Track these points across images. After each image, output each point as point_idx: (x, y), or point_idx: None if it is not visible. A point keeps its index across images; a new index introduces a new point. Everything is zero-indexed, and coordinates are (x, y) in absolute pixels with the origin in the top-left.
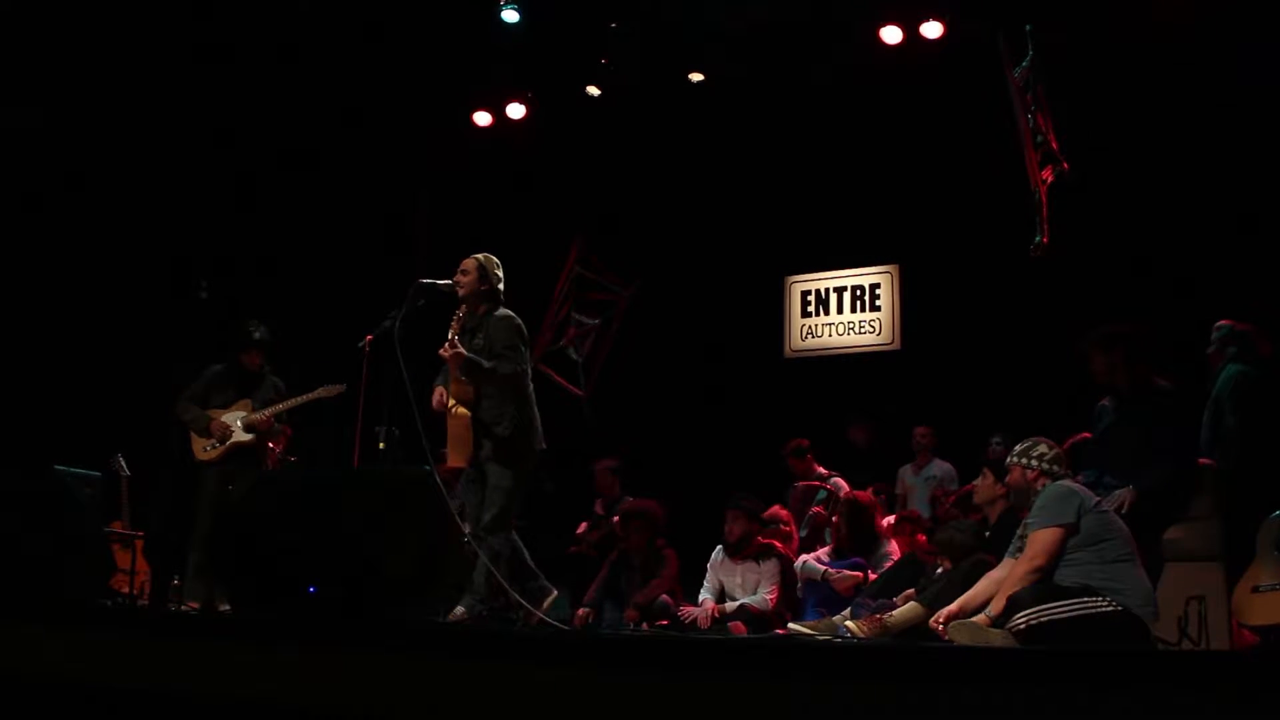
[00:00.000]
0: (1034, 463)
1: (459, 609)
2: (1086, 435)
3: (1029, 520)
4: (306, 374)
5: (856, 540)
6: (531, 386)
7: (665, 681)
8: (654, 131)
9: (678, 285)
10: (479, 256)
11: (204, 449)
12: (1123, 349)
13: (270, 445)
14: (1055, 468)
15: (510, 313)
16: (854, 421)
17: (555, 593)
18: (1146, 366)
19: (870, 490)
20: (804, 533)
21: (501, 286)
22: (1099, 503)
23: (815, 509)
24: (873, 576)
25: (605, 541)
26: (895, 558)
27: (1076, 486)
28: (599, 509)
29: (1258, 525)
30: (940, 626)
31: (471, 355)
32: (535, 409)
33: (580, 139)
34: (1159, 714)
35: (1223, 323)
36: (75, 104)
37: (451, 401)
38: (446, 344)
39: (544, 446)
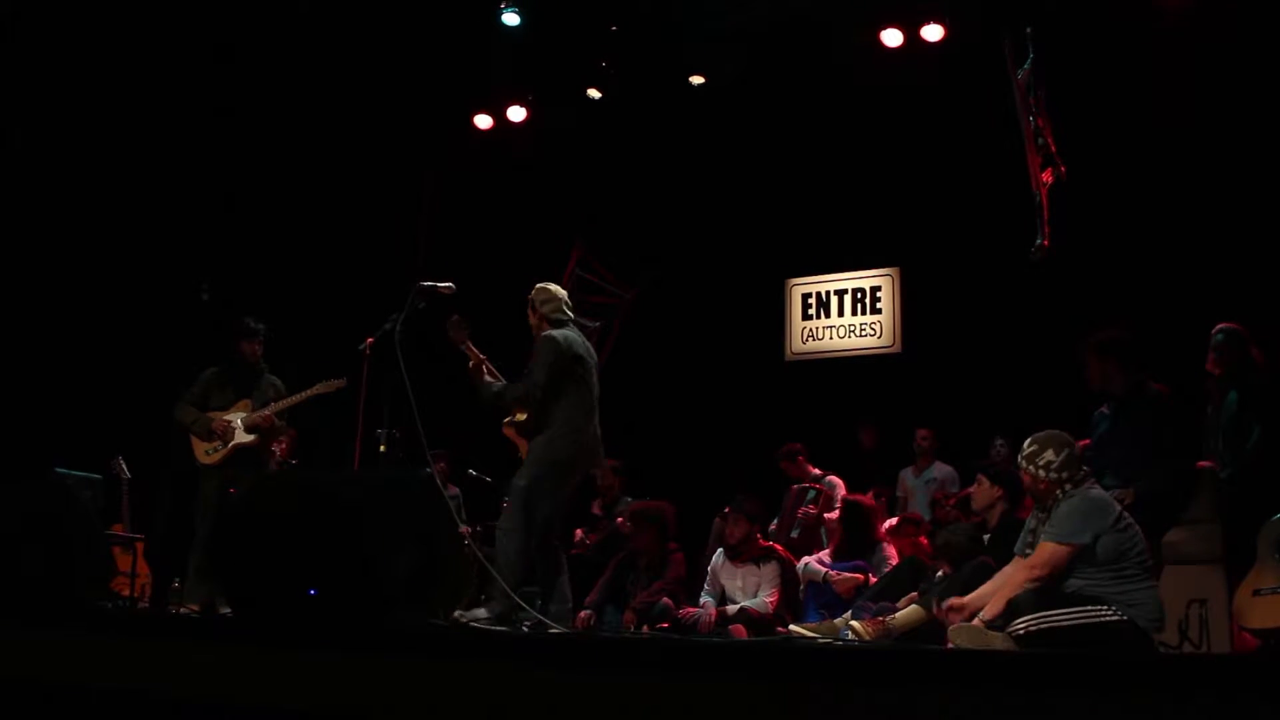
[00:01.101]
0: (1042, 472)
1: (480, 611)
2: (1084, 442)
3: (1046, 526)
4: (307, 375)
5: (855, 543)
6: (583, 399)
7: (666, 683)
8: (654, 134)
9: (678, 288)
10: (531, 293)
11: (206, 452)
12: (1117, 354)
13: (273, 448)
14: (1065, 474)
15: (552, 333)
16: (863, 423)
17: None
18: (1142, 370)
19: (871, 493)
20: (795, 534)
21: (548, 310)
22: (1121, 516)
23: (804, 509)
24: (873, 579)
25: (606, 543)
26: (893, 561)
27: (1103, 500)
28: (596, 510)
29: (1258, 528)
30: (946, 612)
31: (480, 381)
32: (579, 420)
33: (581, 141)
34: (1160, 717)
35: (1223, 326)
36: (76, 105)
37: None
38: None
39: (589, 463)
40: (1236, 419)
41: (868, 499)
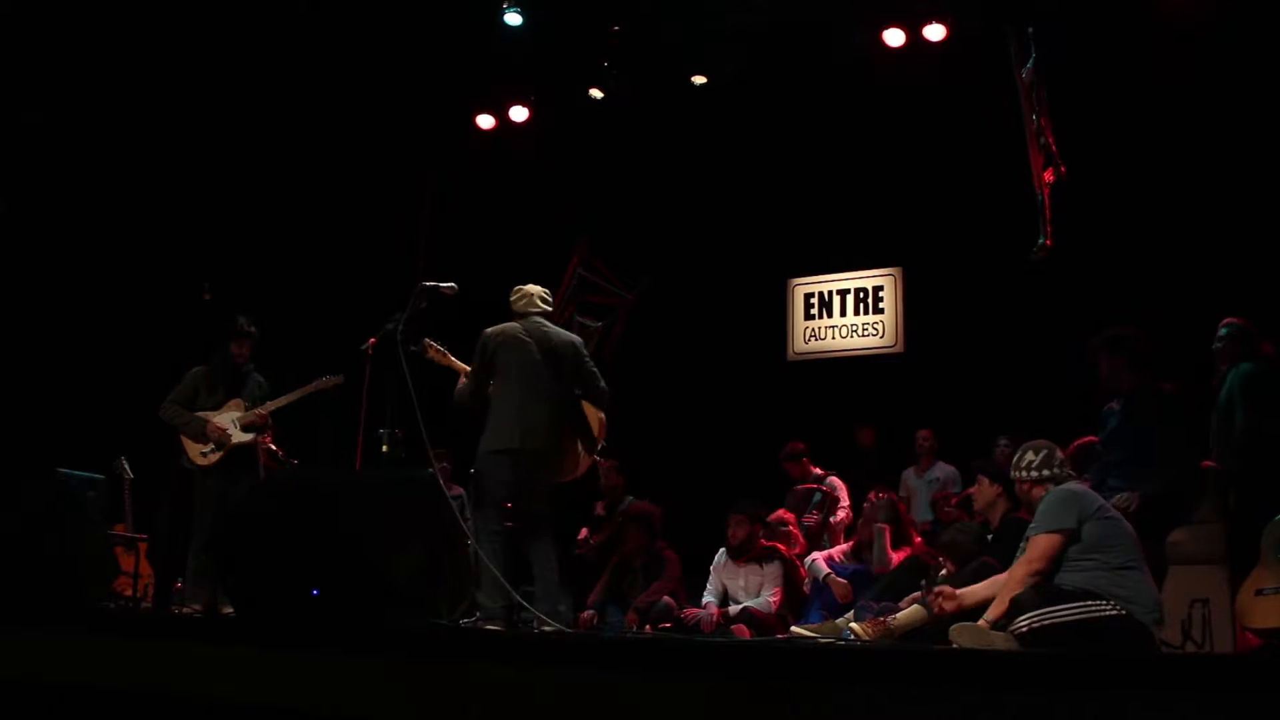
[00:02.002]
0: (1023, 473)
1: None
2: (1093, 439)
3: (1030, 525)
4: (309, 376)
5: (897, 539)
6: (506, 390)
7: (668, 684)
8: (657, 134)
9: (680, 287)
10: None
11: (201, 454)
12: (1126, 353)
13: (268, 444)
14: (1045, 472)
15: (485, 330)
16: (860, 423)
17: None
18: (1150, 369)
19: (872, 494)
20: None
21: (521, 306)
22: (1103, 507)
23: (808, 516)
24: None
25: (608, 544)
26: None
27: (1080, 490)
28: (600, 510)
29: (1261, 528)
30: (936, 598)
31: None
32: (492, 417)
33: (583, 142)
34: (1162, 717)
35: (1230, 320)
36: (77, 105)
37: None
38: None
39: (506, 447)
40: (1228, 405)
41: (898, 502)
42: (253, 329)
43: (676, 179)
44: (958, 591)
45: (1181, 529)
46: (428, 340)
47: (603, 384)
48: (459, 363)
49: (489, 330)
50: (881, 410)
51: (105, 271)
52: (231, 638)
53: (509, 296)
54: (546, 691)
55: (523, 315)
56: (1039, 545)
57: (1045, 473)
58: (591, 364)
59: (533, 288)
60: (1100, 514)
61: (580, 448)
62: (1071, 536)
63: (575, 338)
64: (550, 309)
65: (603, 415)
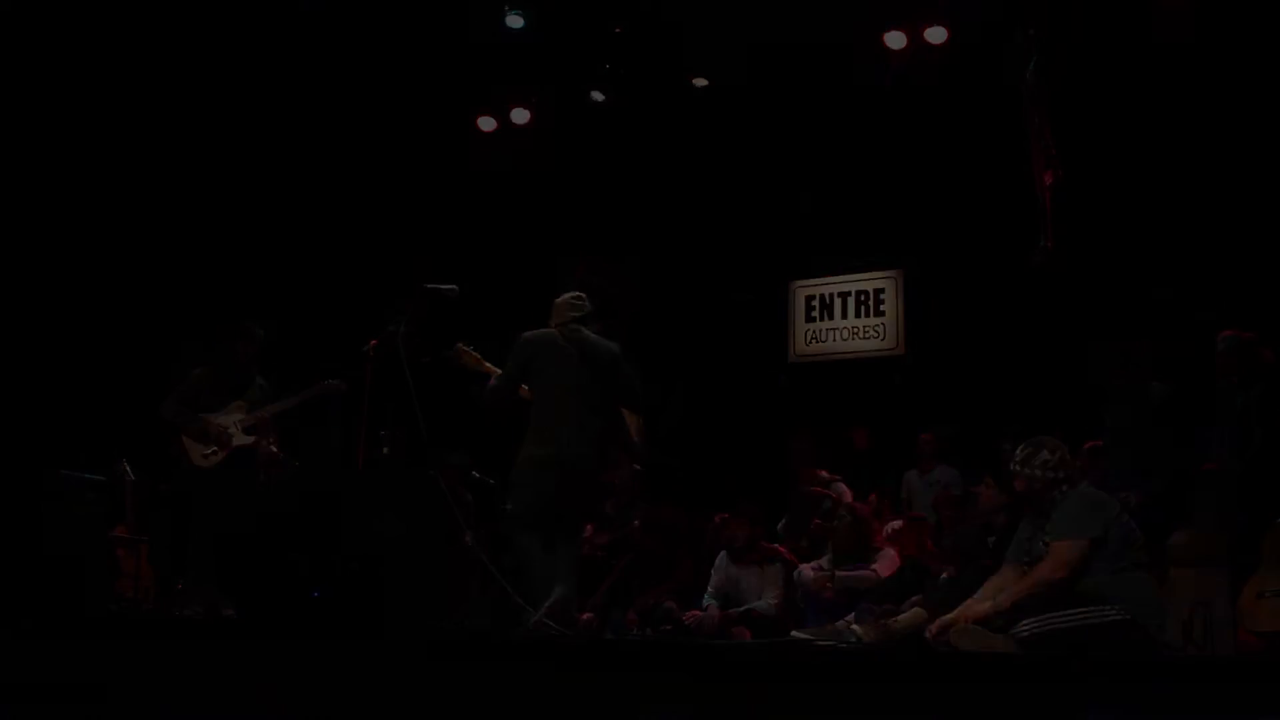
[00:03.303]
0: (1039, 472)
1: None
2: (1098, 443)
3: (1050, 527)
4: (310, 378)
5: (855, 552)
6: (546, 399)
7: (669, 685)
8: (658, 136)
9: (682, 290)
10: None
11: (203, 455)
12: (1123, 362)
13: (270, 446)
14: (1061, 473)
15: (522, 335)
16: (855, 425)
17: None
18: (1145, 373)
19: (873, 496)
20: (804, 542)
21: (555, 320)
22: (1121, 509)
23: (816, 522)
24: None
25: (616, 545)
26: (896, 564)
27: (1100, 494)
28: (609, 510)
29: (1264, 531)
30: (935, 633)
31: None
32: (541, 418)
33: (584, 143)
34: (1162, 718)
35: (1227, 334)
36: (77, 105)
37: None
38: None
39: (546, 454)
40: (1240, 422)
41: (866, 509)
42: (260, 330)
43: (678, 181)
44: (955, 612)
45: (1182, 531)
46: (461, 345)
47: (640, 391)
48: (492, 366)
49: (527, 334)
50: (882, 412)
51: (106, 273)
52: (232, 638)
53: (555, 306)
54: (546, 692)
55: (561, 324)
56: (1064, 553)
57: (1061, 473)
58: (629, 370)
59: (561, 298)
60: (1119, 517)
61: (621, 454)
62: (1099, 543)
63: (614, 345)
64: (586, 311)
65: (637, 419)
